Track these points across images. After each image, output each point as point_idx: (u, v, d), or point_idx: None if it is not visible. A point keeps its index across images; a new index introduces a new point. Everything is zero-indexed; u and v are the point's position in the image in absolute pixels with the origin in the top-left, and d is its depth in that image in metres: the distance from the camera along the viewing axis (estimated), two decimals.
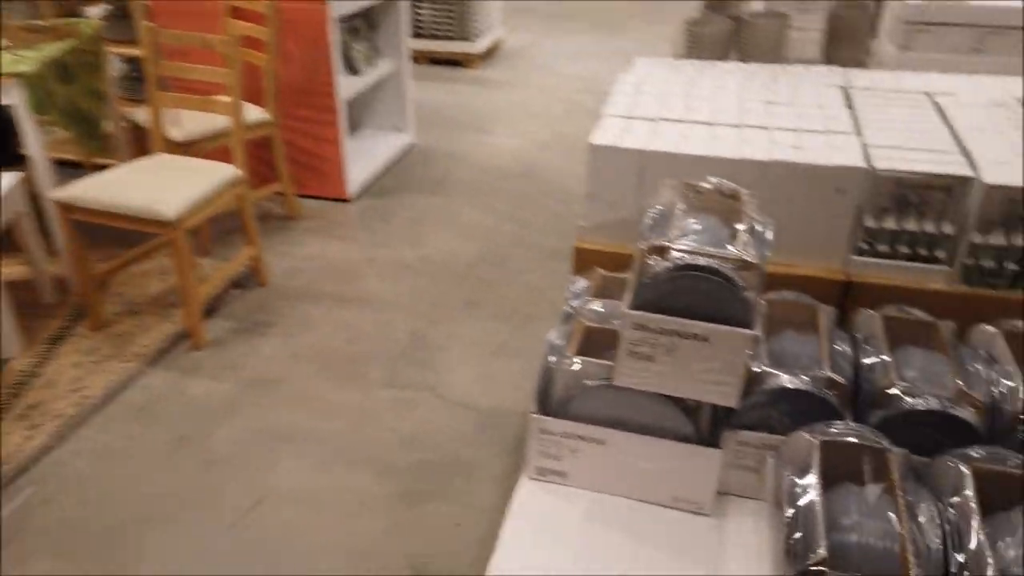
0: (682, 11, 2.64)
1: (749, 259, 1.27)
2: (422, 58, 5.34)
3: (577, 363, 1.44)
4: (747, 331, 1.28)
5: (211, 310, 2.66)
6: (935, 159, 1.64)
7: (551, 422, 1.46)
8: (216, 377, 2.35)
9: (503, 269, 2.95)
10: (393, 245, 3.13)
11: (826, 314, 1.57)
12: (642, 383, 1.37)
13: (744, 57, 2.53)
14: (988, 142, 1.71)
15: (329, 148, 3.34)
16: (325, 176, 3.41)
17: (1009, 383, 1.38)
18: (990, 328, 1.53)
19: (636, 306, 1.32)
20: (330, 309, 2.70)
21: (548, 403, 1.48)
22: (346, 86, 3.41)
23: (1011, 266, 1.61)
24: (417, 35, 5.30)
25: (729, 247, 1.31)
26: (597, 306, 1.62)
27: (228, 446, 2.10)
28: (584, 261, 1.85)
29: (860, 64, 2.51)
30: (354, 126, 3.92)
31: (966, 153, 1.67)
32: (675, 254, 1.28)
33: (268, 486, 1.98)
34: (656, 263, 1.30)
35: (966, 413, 1.33)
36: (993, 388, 1.39)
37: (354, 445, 2.11)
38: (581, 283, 1.74)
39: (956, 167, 1.60)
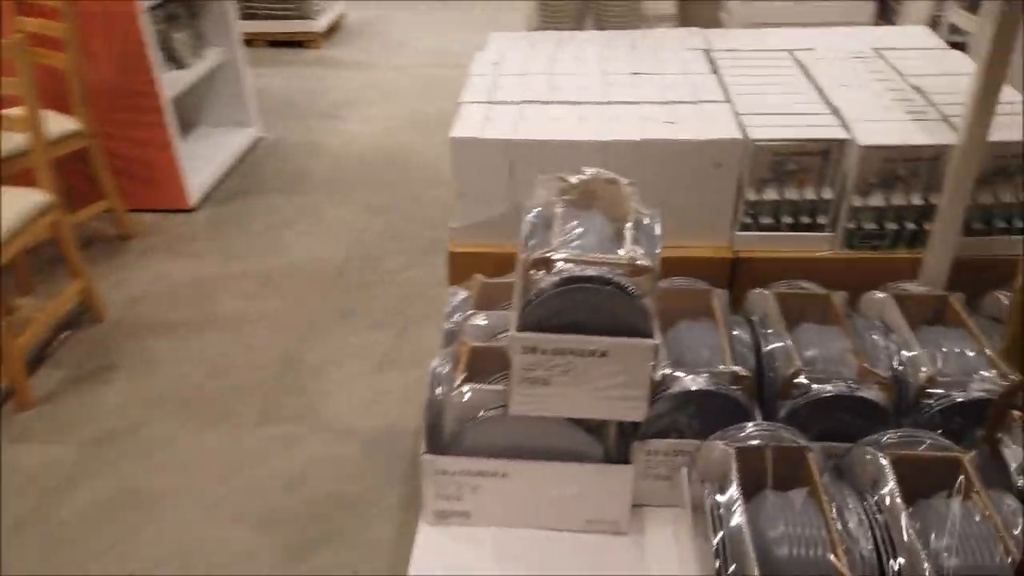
0: None
1: (641, 262, 1.15)
2: (258, 41, 4.93)
3: (467, 392, 1.29)
4: (648, 341, 1.17)
5: (38, 360, 2.31)
6: (809, 124, 1.58)
7: (446, 461, 1.30)
8: (52, 440, 2.03)
9: (378, 270, 2.74)
10: (250, 256, 2.85)
11: (719, 299, 1.49)
12: (540, 409, 1.24)
13: (601, 23, 2.41)
14: (856, 99, 1.67)
15: (159, 153, 2.98)
16: (159, 185, 3.05)
17: (908, 353, 1.35)
18: (880, 294, 1.50)
19: (525, 327, 1.17)
20: (183, 340, 2.41)
21: (440, 439, 1.32)
22: (171, 82, 3.04)
23: (891, 226, 1.59)
24: (249, 16, 4.88)
25: (618, 251, 1.18)
26: (480, 320, 1.47)
27: (77, 521, 1.82)
28: (460, 266, 1.69)
29: (716, 21, 2.45)
30: (188, 125, 3.54)
31: (837, 113, 1.62)
32: (561, 266, 1.14)
33: (133, 559, 1.72)
34: (541, 278, 1.15)
35: (873, 393, 1.28)
36: (894, 360, 1.36)
37: (229, 497, 1.88)
38: (460, 294, 1.58)
39: (831, 131, 1.55)
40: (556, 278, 1.13)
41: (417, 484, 1.36)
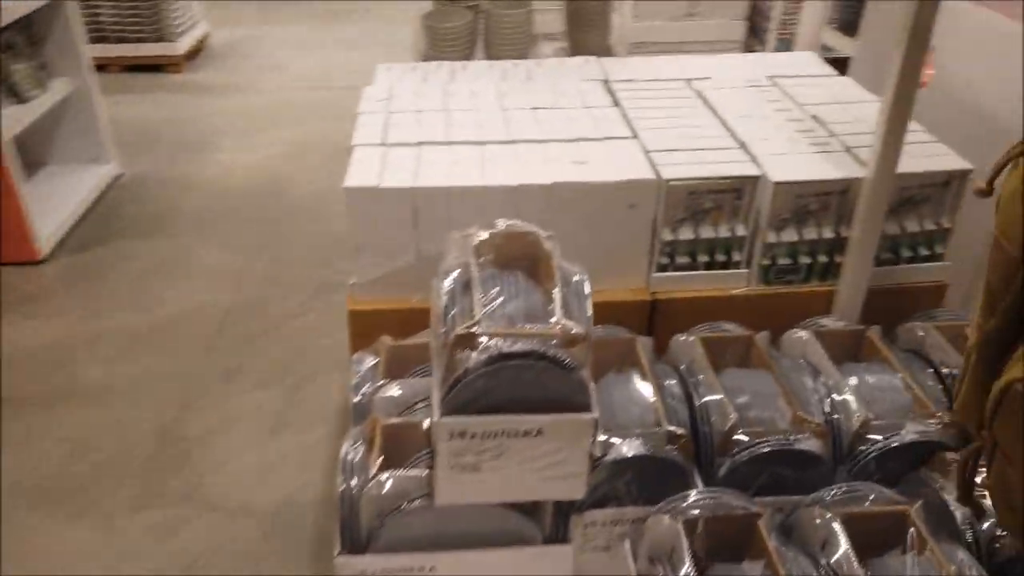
0: None
1: (575, 331, 1.05)
2: (113, 66, 4.52)
3: (386, 481, 1.14)
4: (587, 415, 1.07)
5: None
6: (721, 160, 1.54)
7: (365, 561, 1.15)
8: None
9: (264, 318, 2.52)
10: (114, 312, 2.55)
11: (644, 347, 1.41)
12: (470, 496, 1.11)
13: (491, 51, 2.31)
14: (761, 132, 1.65)
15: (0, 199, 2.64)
16: (1, 237, 2.69)
17: (839, 396, 1.32)
18: (801, 333, 1.47)
19: (451, 411, 1.05)
20: (40, 416, 2.11)
21: (356, 536, 1.17)
22: (11, 118, 2.70)
23: (805, 260, 1.57)
24: (99, 39, 4.46)
25: (549, 319, 1.07)
26: (393, 390, 1.33)
27: None
28: (363, 327, 1.54)
29: (605, 48, 2.41)
30: (34, 166, 3.17)
31: (746, 148, 1.59)
32: (487, 342, 1.02)
33: None
34: (466, 356, 1.03)
35: (810, 443, 1.24)
36: (825, 404, 1.32)
37: None
38: (367, 361, 1.42)
39: (743, 168, 1.51)
40: (484, 356, 1.01)
41: (328, 565, 1.20)
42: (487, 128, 1.67)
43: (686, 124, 1.69)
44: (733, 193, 1.50)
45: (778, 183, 1.47)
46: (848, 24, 2.69)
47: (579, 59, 2.09)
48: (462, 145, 1.60)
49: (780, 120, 1.71)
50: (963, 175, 1.50)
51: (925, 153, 1.52)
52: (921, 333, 1.44)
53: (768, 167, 1.50)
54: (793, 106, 1.78)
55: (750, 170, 1.50)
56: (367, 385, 1.36)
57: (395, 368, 1.38)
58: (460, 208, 1.46)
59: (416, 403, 1.30)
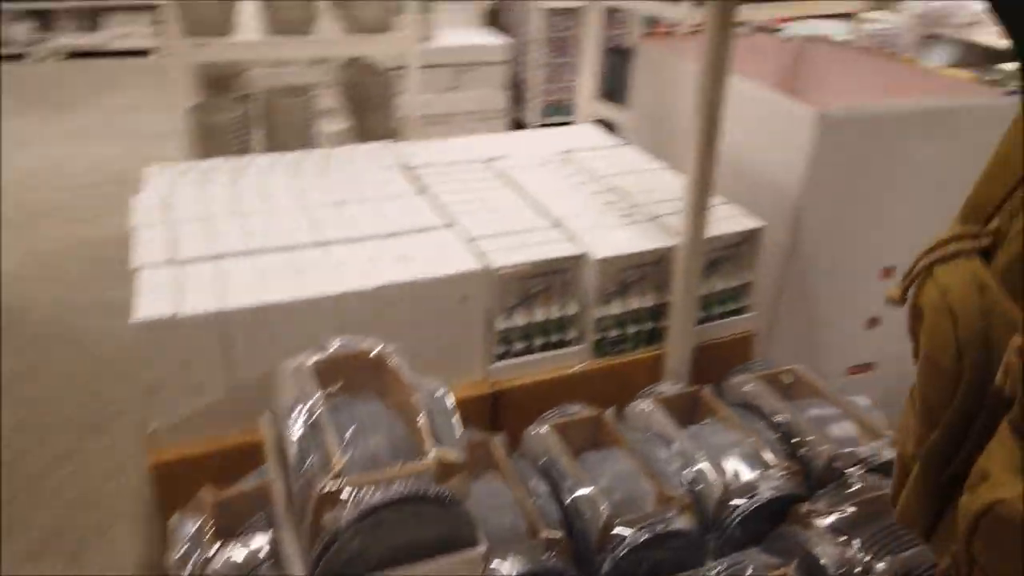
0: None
1: (450, 459, 0.95)
2: None
3: None
4: (476, 550, 0.96)
5: None
6: (543, 242, 1.53)
7: None
8: None
9: (24, 472, 2.09)
10: None
11: (498, 447, 1.34)
12: None
13: (273, 143, 2.16)
14: (572, 209, 1.67)
15: None
16: None
17: (695, 467, 1.34)
18: (644, 404, 1.48)
19: None
20: None
21: None
22: None
23: (632, 329, 1.60)
24: None
25: (421, 451, 0.96)
26: (233, 553, 1.12)
27: None
28: (173, 481, 1.30)
29: (391, 131, 2.35)
30: None
31: (563, 226, 1.60)
32: (355, 493, 0.89)
33: None
34: (334, 516, 0.88)
35: (680, 521, 1.23)
36: (683, 476, 1.33)
37: None
38: (187, 524, 1.19)
39: (566, 248, 1.51)
40: (355, 512, 0.88)
41: None
42: (292, 231, 1.53)
43: (499, 207, 1.67)
44: (560, 273, 1.50)
45: (601, 260, 1.49)
46: (612, 93, 2.89)
47: (372, 145, 2.01)
48: (268, 253, 1.44)
49: (585, 194, 1.75)
50: (757, 233, 1.62)
51: (721, 216, 1.63)
52: (747, 387, 1.52)
53: (589, 245, 1.52)
54: (592, 179, 1.84)
55: (574, 249, 1.50)
56: (195, 554, 1.14)
57: (224, 525, 1.17)
58: (279, 327, 1.31)
59: (260, 565, 1.11)
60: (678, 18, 3.10)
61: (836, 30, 3.83)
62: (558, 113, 4.70)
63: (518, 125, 4.80)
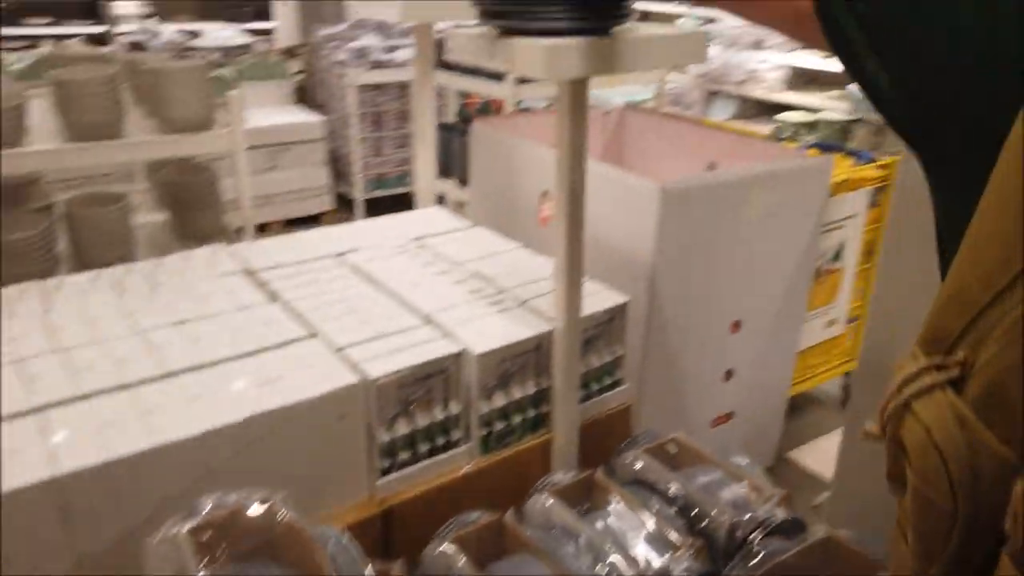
0: None
1: None
2: None
3: None
4: None
5: None
6: (417, 343, 1.45)
7: None
8: None
9: None
10: None
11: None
12: None
13: (84, 259, 1.91)
14: (439, 301, 1.61)
15: None
16: None
17: (607, 559, 1.30)
18: (542, 499, 1.43)
19: None
20: None
21: None
22: None
23: (517, 419, 1.55)
24: None
25: None
26: None
27: None
28: None
29: (220, 229, 2.18)
30: None
31: (433, 322, 1.53)
32: None
33: None
34: None
35: None
36: (599, 572, 1.29)
37: None
38: None
39: (443, 346, 1.44)
40: None
41: None
42: (128, 363, 1.34)
43: (362, 307, 1.57)
44: (440, 374, 1.42)
45: (481, 355, 1.44)
46: (443, 168, 2.89)
47: (204, 251, 1.83)
48: (103, 395, 1.25)
49: (449, 284, 1.70)
50: (623, 307, 1.65)
51: (587, 294, 1.63)
52: (637, 464, 1.51)
53: (466, 340, 1.46)
54: (452, 266, 1.80)
55: (452, 347, 1.44)
56: None
57: None
58: (128, 486, 1.12)
59: None
60: (502, 95, 3.19)
61: (643, 93, 4.12)
62: (383, 187, 4.66)
63: (344, 201, 4.70)
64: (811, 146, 2.77)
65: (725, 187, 1.86)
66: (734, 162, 2.26)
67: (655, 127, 2.56)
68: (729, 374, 2.07)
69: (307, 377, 1.33)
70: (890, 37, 0.60)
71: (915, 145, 0.62)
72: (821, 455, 2.47)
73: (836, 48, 0.65)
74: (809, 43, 0.77)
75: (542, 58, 1.15)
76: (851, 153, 2.62)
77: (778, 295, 2.08)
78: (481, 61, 1.24)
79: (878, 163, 2.50)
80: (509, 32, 1.21)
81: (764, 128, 5.09)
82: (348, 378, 1.33)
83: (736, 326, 2.01)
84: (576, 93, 1.30)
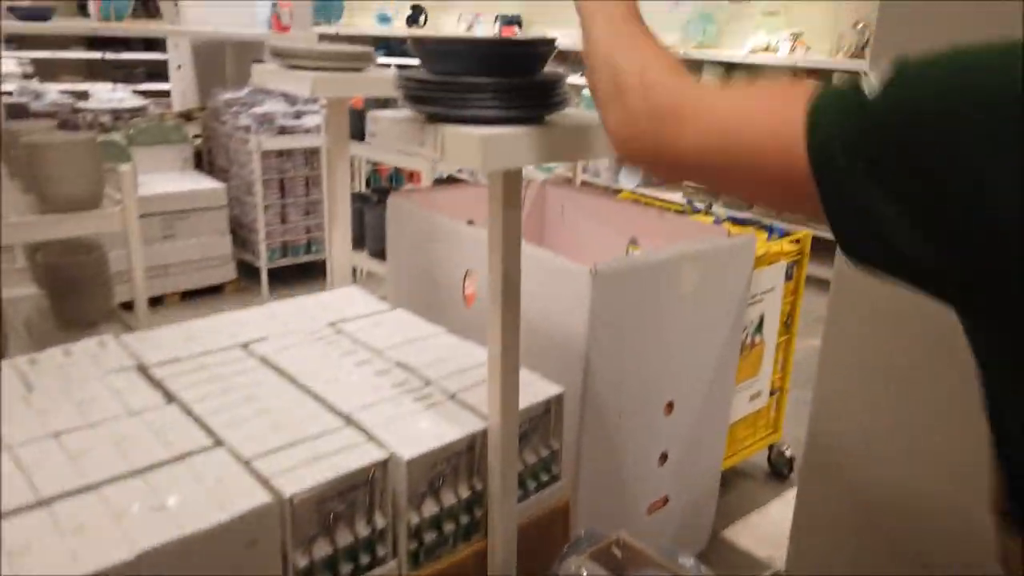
0: None
1: None
2: None
3: None
4: None
5: None
6: (338, 449, 1.30)
7: None
8: None
9: None
10: None
11: None
12: None
13: None
14: (358, 398, 1.47)
15: None
16: None
17: None
18: None
19: None
20: None
21: None
22: None
23: (450, 527, 1.41)
24: None
25: None
26: None
27: None
28: None
29: (109, 313, 1.96)
30: None
31: (354, 423, 1.39)
32: None
33: None
34: None
35: None
36: None
37: None
38: None
39: (369, 453, 1.30)
40: None
41: None
42: (8, 477, 1.13)
43: (273, 409, 1.41)
44: (364, 485, 1.28)
45: (410, 461, 1.30)
46: (359, 240, 2.76)
47: (89, 343, 1.63)
48: None
49: (370, 376, 1.56)
50: (559, 398, 1.55)
51: (521, 384, 1.53)
52: (584, 573, 1.40)
53: (392, 444, 1.32)
54: (371, 355, 1.66)
55: (377, 454, 1.29)
56: None
57: None
58: None
59: None
60: (419, 168, 3.11)
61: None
62: (289, 255, 4.46)
63: (248, 270, 4.47)
64: (727, 219, 2.81)
65: (655, 268, 1.82)
66: (655, 238, 2.24)
67: (575, 202, 2.52)
68: (664, 457, 1.99)
69: (210, 498, 1.15)
70: (936, 192, 0.49)
71: (968, 310, 0.54)
72: (756, 531, 2.42)
73: (842, 221, 0.54)
74: (808, 215, 0.61)
75: (477, 148, 1.06)
76: (764, 227, 2.67)
77: (709, 372, 2.04)
78: (409, 148, 1.15)
79: (792, 237, 2.55)
80: (436, 119, 1.12)
81: (674, 195, 5.21)
82: (259, 497, 1.16)
83: (669, 407, 1.95)
84: (510, 182, 1.22)
